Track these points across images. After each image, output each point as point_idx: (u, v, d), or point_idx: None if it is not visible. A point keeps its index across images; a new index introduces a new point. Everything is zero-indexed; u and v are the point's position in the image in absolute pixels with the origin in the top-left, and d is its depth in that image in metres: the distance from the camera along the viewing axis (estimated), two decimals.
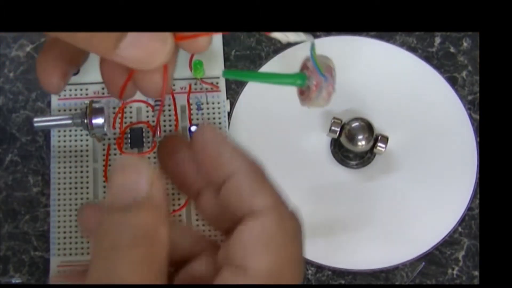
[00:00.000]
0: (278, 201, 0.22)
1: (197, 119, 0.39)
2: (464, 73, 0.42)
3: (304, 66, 0.36)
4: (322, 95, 0.35)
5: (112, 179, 0.21)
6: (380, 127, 0.39)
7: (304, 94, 0.37)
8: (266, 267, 0.21)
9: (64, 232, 0.37)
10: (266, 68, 0.41)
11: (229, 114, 0.40)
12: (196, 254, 0.23)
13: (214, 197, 0.23)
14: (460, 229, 0.39)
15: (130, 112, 0.39)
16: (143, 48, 0.22)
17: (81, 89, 0.40)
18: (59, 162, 0.38)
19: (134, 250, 0.20)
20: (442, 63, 0.42)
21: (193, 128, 0.38)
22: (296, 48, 0.41)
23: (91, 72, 0.40)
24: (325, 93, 0.35)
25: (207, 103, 0.39)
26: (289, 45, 0.41)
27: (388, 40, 0.42)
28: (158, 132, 0.39)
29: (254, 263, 0.21)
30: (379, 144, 0.39)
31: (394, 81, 0.41)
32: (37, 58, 0.26)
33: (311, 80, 0.34)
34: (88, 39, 0.21)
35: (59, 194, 0.38)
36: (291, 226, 0.22)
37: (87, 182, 0.38)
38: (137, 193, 0.21)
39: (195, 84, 0.40)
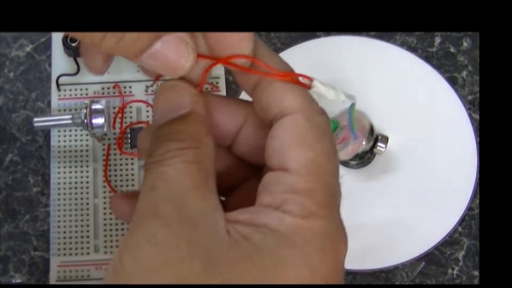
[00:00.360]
0: (306, 100, 0.22)
1: None
2: (464, 73, 0.42)
3: (339, 117, 0.36)
4: (346, 149, 0.36)
5: (157, 100, 0.22)
6: (380, 127, 0.39)
7: None
8: (305, 162, 0.21)
9: (64, 232, 0.37)
10: None
11: None
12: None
13: (248, 134, 0.24)
14: (460, 229, 0.39)
15: (130, 112, 0.39)
16: (163, 61, 0.22)
17: (81, 89, 0.40)
18: (59, 162, 0.38)
19: (184, 152, 0.21)
20: (442, 63, 0.42)
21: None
22: (297, 48, 0.41)
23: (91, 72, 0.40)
24: (350, 149, 0.36)
25: None
26: (289, 45, 0.41)
27: (388, 40, 0.42)
28: None
29: (291, 160, 0.22)
30: (379, 144, 0.39)
31: (394, 81, 0.40)
32: (82, 42, 0.26)
33: (341, 132, 0.35)
34: (113, 47, 0.22)
35: (59, 194, 0.38)
36: (321, 121, 0.22)
37: (87, 182, 0.38)
38: (182, 109, 0.22)
39: None
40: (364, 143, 0.36)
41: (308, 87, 0.25)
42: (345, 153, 0.36)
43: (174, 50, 0.22)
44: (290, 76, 0.23)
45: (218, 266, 0.20)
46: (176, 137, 0.22)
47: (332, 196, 0.22)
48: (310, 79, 0.25)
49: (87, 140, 0.39)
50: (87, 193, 0.38)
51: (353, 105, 0.32)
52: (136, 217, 0.21)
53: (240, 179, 0.24)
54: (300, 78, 0.24)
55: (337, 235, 0.22)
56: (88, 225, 0.37)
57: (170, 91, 0.23)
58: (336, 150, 0.23)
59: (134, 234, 0.21)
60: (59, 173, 0.38)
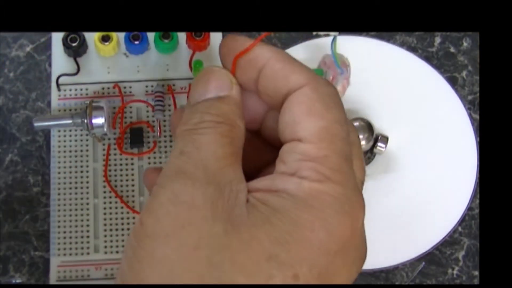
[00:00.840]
0: (311, 75, 0.23)
1: None
2: (464, 73, 0.42)
3: (322, 63, 0.38)
4: (337, 88, 0.37)
5: (198, 80, 0.24)
6: (380, 127, 0.39)
7: None
8: (316, 131, 0.22)
9: (64, 232, 0.37)
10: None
11: None
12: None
13: (270, 119, 0.25)
14: (460, 229, 0.39)
15: (130, 112, 0.39)
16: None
17: (81, 89, 0.40)
18: (59, 162, 0.38)
19: (218, 125, 0.22)
20: (442, 63, 0.42)
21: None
22: (296, 49, 0.41)
23: (91, 72, 0.40)
24: (341, 86, 0.37)
25: None
26: (288, 45, 0.41)
27: (388, 40, 0.42)
28: (158, 133, 0.39)
29: (302, 130, 0.22)
30: (379, 144, 0.39)
31: (394, 81, 0.40)
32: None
33: (327, 75, 0.37)
34: None
35: (59, 194, 0.38)
36: (329, 91, 0.23)
37: (87, 182, 0.38)
38: (222, 91, 0.23)
39: None
40: (349, 76, 0.37)
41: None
42: (339, 91, 0.38)
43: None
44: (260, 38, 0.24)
45: (238, 228, 0.20)
46: (213, 111, 0.22)
47: (346, 161, 0.22)
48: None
49: (87, 140, 0.39)
50: (87, 193, 0.38)
51: (334, 38, 0.36)
52: (160, 179, 0.22)
53: (266, 162, 0.25)
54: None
55: (355, 200, 0.22)
56: (88, 225, 0.37)
57: (212, 74, 0.24)
58: (346, 118, 0.23)
59: (157, 197, 0.21)
60: (59, 173, 0.38)
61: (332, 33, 0.35)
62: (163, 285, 0.21)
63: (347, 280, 0.22)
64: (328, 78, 0.38)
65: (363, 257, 0.24)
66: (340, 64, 0.37)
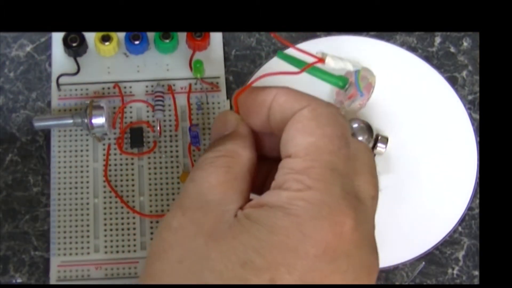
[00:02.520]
0: (311, 99, 0.25)
1: (197, 119, 0.39)
2: (464, 73, 0.42)
3: (349, 74, 0.39)
4: (353, 105, 0.38)
5: (214, 122, 0.28)
6: (380, 127, 0.39)
7: (339, 96, 0.39)
8: (304, 146, 0.24)
9: (64, 232, 0.37)
10: (266, 67, 0.41)
11: None
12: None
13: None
14: (460, 229, 0.39)
15: (130, 112, 0.39)
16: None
17: (81, 89, 0.40)
18: (59, 162, 0.38)
19: (217, 159, 0.25)
20: (442, 63, 0.42)
21: (193, 128, 0.38)
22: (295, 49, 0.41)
23: (92, 72, 0.40)
24: (357, 105, 0.38)
25: (207, 103, 0.39)
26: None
27: (388, 40, 0.42)
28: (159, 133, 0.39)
29: (293, 146, 0.24)
30: (379, 144, 0.39)
31: (394, 81, 0.40)
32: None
33: (349, 89, 0.37)
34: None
35: (59, 194, 0.38)
36: (326, 111, 0.25)
37: (87, 182, 0.38)
38: (229, 129, 0.27)
39: (195, 84, 0.40)
40: (369, 99, 0.39)
41: (323, 61, 0.37)
42: (352, 109, 0.39)
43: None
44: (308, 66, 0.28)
45: (218, 241, 0.23)
46: (215, 149, 0.26)
47: (333, 172, 0.23)
48: (323, 60, 0.37)
49: (87, 140, 0.39)
50: (87, 193, 0.38)
51: (358, 71, 0.38)
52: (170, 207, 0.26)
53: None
54: (318, 53, 0.34)
55: (336, 206, 0.23)
56: (88, 225, 0.37)
57: (222, 115, 0.28)
58: (347, 136, 0.24)
59: (159, 226, 0.25)
60: (59, 173, 0.38)
61: (357, 67, 0.38)
62: (162, 285, 0.23)
63: None
64: (348, 93, 0.38)
65: (365, 265, 0.23)
66: (363, 88, 0.38)
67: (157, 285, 0.23)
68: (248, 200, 0.25)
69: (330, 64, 0.37)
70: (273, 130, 0.26)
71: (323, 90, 0.40)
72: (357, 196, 0.24)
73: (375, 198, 0.25)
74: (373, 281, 0.24)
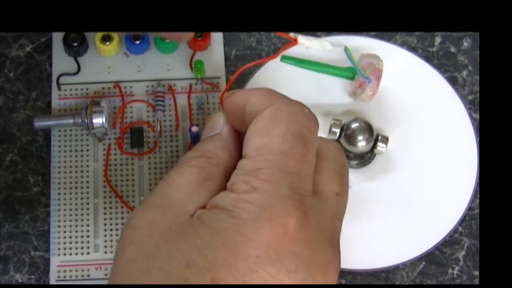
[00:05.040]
0: (277, 99, 0.26)
1: (198, 119, 0.39)
2: (464, 73, 0.42)
3: (361, 59, 0.38)
4: (365, 93, 0.38)
5: (205, 123, 0.29)
6: (380, 127, 0.39)
7: (352, 87, 0.39)
8: (257, 146, 0.24)
9: (64, 232, 0.37)
10: (266, 67, 0.41)
11: None
12: None
13: None
14: (460, 229, 0.39)
15: (131, 112, 0.39)
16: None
17: (81, 89, 0.40)
18: (59, 162, 0.38)
19: (192, 160, 0.26)
20: (442, 63, 0.42)
21: (193, 129, 0.38)
22: (296, 48, 0.41)
23: (92, 72, 0.40)
24: (369, 91, 0.38)
25: (208, 103, 0.39)
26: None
27: (388, 40, 0.42)
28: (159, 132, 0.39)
29: (247, 147, 0.25)
30: (379, 144, 0.39)
31: (393, 81, 0.40)
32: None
33: (358, 78, 0.37)
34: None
35: (59, 194, 0.38)
36: (287, 110, 0.25)
37: (87, 182, 0.38)
38: (213, 130, 0.28)
39: (196, 84, 0.40)
40: (379, 84, 0.38)
41: (295, 42, 0.34)
42: (366, 96, 0.38)
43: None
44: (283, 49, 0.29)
45: (168, 241, 0.23)
46: (196, 149, 0.27)
47: (282, 172, 0.24)
48: (295, 40, 0.34)
49: (87, 140, 0.39)
50: (87, 193, 0.38)
51: (345, 49, 0.37)
52: None
53: None
54: (290, 34, 0.32)
55: (280, 208, 0.23)
56: (88, 225, 0.37)
57: (212, 116, 0.29)
58: (303, 132, 0.25)
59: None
60: (59, 173, 0.38)
61: (339, 46, 0.37)
62: (161, 285, 0.23)
63: None
64: (357, 82, 0.38)
65: (320, 263, 0.23)
66: (368, 73, 0.37)
67: (163, 285, 0.23)
68: None
69: (305, 43, 0.35)
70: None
71: (333, 86, 0.40)
72: (318, 194, 0.24)
73: (340, 194, 0.25)
74: (332, 280, 0.24)
